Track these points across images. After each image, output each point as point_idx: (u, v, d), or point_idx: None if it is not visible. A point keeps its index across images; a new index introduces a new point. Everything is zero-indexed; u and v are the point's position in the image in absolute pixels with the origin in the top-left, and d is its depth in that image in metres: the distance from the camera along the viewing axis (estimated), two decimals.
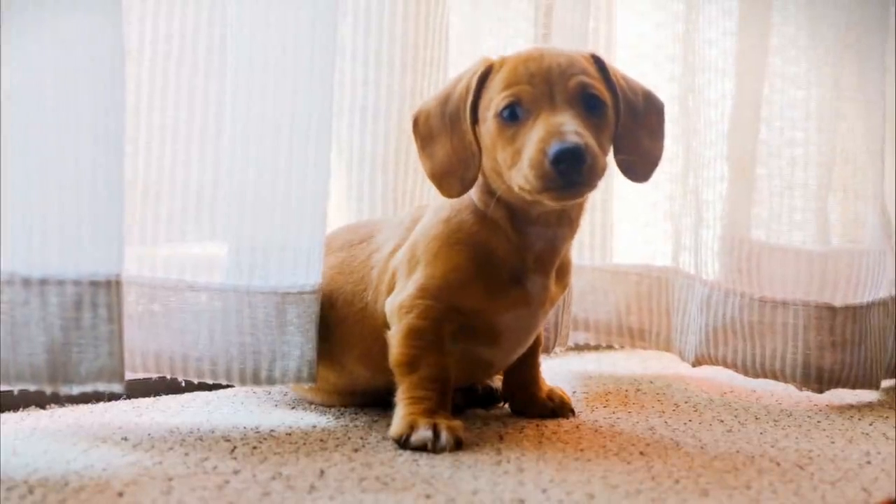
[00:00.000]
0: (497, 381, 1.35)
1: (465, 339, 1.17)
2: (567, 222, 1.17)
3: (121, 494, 0.91)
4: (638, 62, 1.69)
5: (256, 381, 1.20)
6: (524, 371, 1.29)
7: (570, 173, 1.03)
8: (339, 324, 1.23)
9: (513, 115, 1.09)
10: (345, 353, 1.24)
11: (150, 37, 1.21)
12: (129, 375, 1.26)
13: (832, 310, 1.44)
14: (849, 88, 1.50)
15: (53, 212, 1.03)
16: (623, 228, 1.72)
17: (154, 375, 1.22)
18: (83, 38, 1.04)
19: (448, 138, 1.15)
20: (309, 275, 1.21)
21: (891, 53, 1.57)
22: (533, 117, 1.08)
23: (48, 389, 1.04)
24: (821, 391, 1.44)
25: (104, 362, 1.05)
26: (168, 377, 1.21)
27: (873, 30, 1.50)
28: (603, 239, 1.68)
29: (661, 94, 1.61)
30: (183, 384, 1.27)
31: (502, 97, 1.10)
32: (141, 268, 1.20)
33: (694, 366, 1.53)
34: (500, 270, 1.15)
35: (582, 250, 1.65)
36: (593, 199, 1.67)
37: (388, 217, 1.37)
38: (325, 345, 1.22)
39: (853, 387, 1.45)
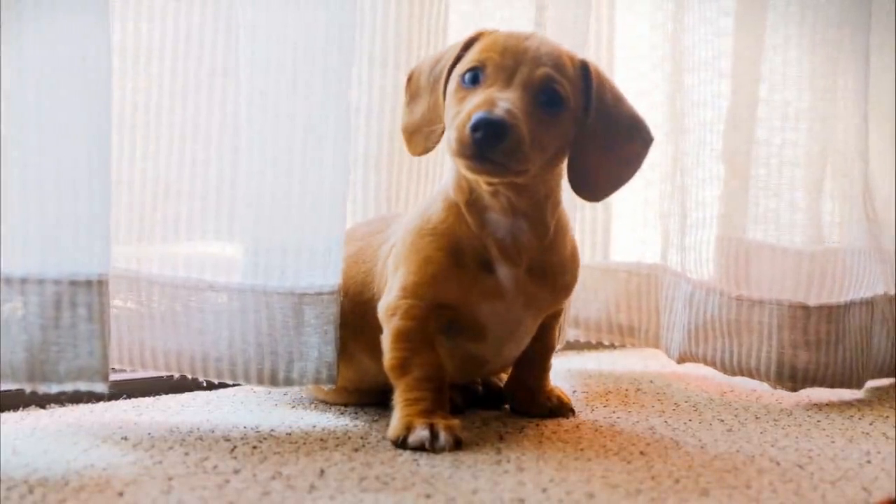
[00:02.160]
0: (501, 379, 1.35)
1: (454, 335, 1.17)
2: (521, 214, 1.15)
3: (121, 494, 0.91)
4: (637, 62, 1.69)
5: (275, 381, 1.21)
6: (529, 372, 1.29)
7: (485, 146, 1.03)
8: (350, 313, 1.23)
9: (473, 80, 1.10)
10: (354, 343, 1.24)
11: (172, 36, 1.21)
12: (148, 373, 1.29)
13: (806, 309, 1.44)
14: (842, 88, 1.51)
15: (35, 211, 1.04)
16: (615, 227, 1.72)
17: (176, 374, 1.23)
18: (71, 37, 1.04)
19: (427, 97, 1.17)
20: (327, 276, 1.21)
21: (883, 52, 1.58)
22: (485, 86, 1.08)
23: (27, 388, 1.04)
24: (794, 390, 1.45)
25: (84, 362, 1.05)
26: (189, 377, 1.22)
27: (861, 29, 1.50)
28: (598, 237, 1.68)
29: (656, 94, 1.62)
30: (204, 383, 1.27)
31: (469, 60, 1.11)
32: (162, 267, 1.20)
33: (678, 363, 1.54)
34: (468, 258, 1.15)
35: (583, 249, 1.65)
36: None
37: (406, 211, 1.37)
38: (341, 335, 1.22)
39: (831, 386, 1.46)
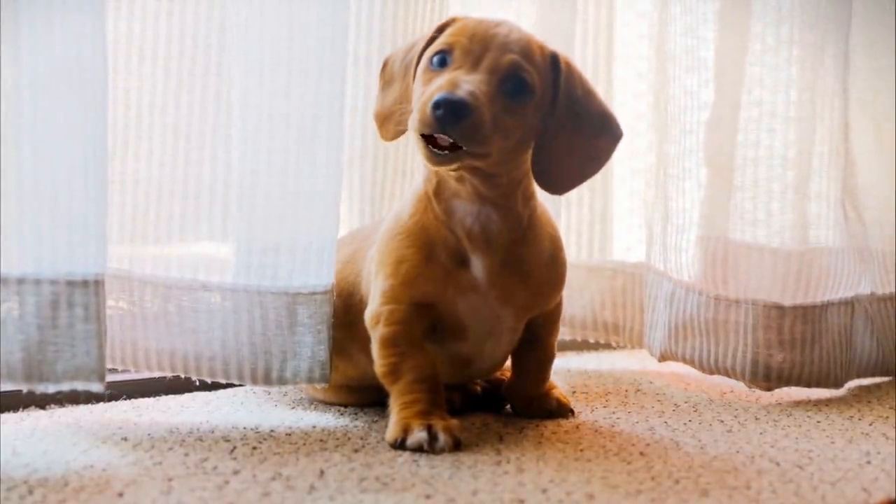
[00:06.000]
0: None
1: (438, 337, 1.17)
2: (490, 203, 1.14)
3: (121, 494, 0.91)
4: (637, 62, 1.69)
5: (268, 381, 1.21)
6: (528, 381, 1.28)
7: (445, 123, 1.03)
8: (345, 313, 1.23)
9: (441, 63, 1.10)
10: (351, 343, 1.24)
11: (164, 36, 1.21)
12: (144, 374, 1.29)
13: (781, 309, 1.45)
14: (821, 90, 1.51)
15: (31, 211, 1.04)
16: (602, 226, 1.73)
17: (169, 374, 1.24)
18: (67, 37, 1.04)
19: (400, 83, 1.17)
20: (320, 275, 1.21)
21: (872, 52, 1.59)
22: (452, 69, 1.08)
23: (24, 388, 1.04)
24: (769, 389, 1.46)
25: (81, 361, 1.05)
26: (182, 376, 1.22)
27: (841, 30, 1.51)
28: (584, 236, 1.69)
29: (651, 96, 1.62)
30: (202, 383, 1.27)
31: (438, 44, 1.11)
32: (155, 267, 1.21)
33: (660, 361, 1.55)
34: (441, 253, 1.15)
35: (568, 248, 1.65)
36: (580, 195, 1.67)
37: None
38: (336, 334, 1.23)
39: (807, 385, 1.46)
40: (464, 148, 1.05)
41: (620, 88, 1.68)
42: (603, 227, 1.70)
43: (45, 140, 1.04)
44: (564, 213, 1.64)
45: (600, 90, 1.59)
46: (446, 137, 1.04)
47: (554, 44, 1.24)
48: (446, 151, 1.05)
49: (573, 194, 1.65)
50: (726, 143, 1.52)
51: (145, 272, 1.21)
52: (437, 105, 1.02)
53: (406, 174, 1.47)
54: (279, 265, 1.21)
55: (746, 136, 1.51)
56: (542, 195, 1.20)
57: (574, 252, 1.68)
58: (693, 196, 1.52)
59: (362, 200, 1.44)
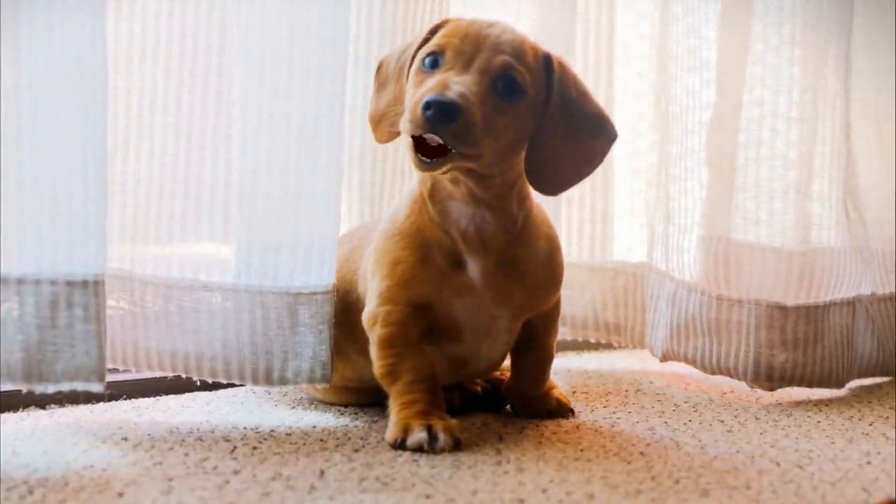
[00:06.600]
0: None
1: (434, 338, 1.17)
2: (484, 204, 1.13)
3: (121, 494, 0.91)
4: (638, 62, 1.69)
5: (269, 381, 1.21)
6: (527, 381, 1.28)
7: (436, 126, 1.02)
8: (343, 312, 1.23)
9: (433, 64, 1.10)
10: (347, 342, 1.24)
11: (165, 36, 1.21)
12: (144, 374, 1.29)
13: (783, 309, 1.45)
14: (823, 90, 1.51)
15: (31, 211, 1.04)
16: (605, 225, 1.73)
17: (170, 374, 1.24)
18: (67, 37, 1.04)
19: (394, 85, 1.17)
20: (321, 275, 1.21)
21: (873, 52, 1.59)
22: (444, 70, 1.08)
23: (24, 388, 1.04)
24: (772, 389, 1.46)
25: (81, 361, 1.05)
26: (183, 376, 1.23)
27: (843, 30, 1.51)
28: (585, 235, 1.68)
29: (652, 96, 1.62)
30: (203, 383, 1.27)
31: (430, 45, 1.11)
32: (156, 267, 1.21)
33: (661, 361, 1.55)
34: (437, 255, 1.15)
35: (570, 248, 1.65)
36: (581, 194, 1.67)
37: None
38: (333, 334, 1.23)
39: (809, 385, 1.47)
40: (454, 150, 1.05)
41: (621, 88, 1.68)
42: (604, 227, 1.70)
43: (45, 140, 1.04)
44: (565, 213, 1.64)
45: (601, 90, 1.60)
46: (437, 138, 1.04)
47: (554, 44, 1.24)
48: (435, 158, 1.05)
49: (574, 194, 1.65)
50: (728, 143, 1.52)
51: (146, 272, 1.21)
52: (428, 106, 1.02)
53: (405, 174, 1.47)
54: (280, 265, 1.21)
55: (748, 136, 1.51)
56: (541, 195, 1.20)
57: (575, 252, 1.68)
58: (695, 196, 1.52)
59: (362, 200, 1.45)
